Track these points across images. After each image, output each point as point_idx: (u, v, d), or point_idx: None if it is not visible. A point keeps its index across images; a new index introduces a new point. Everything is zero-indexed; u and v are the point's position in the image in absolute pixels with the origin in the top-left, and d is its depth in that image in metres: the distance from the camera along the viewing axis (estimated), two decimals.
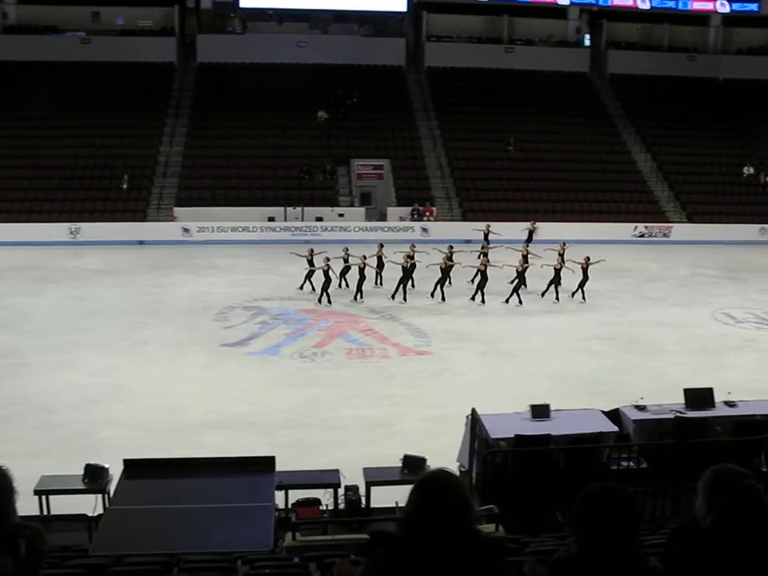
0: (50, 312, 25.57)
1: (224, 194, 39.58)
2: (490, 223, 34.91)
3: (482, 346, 22.66)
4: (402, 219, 38.97)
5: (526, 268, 27.97)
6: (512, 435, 12.38)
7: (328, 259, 26.86)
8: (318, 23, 48.84)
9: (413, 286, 27.90)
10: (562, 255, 28.53)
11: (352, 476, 12.55)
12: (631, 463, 12.28)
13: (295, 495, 12.02)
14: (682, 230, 40.14)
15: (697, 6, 50.31)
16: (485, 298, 27.07)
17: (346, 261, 27.93)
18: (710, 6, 50.53)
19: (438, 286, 27.40)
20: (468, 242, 34.47)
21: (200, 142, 42.56)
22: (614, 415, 13.53)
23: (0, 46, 46.27)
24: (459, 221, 39.38)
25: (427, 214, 39.04)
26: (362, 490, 12.42)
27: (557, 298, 27.64)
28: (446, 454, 13.51)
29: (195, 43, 48.39)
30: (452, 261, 27.90)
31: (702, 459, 8.45)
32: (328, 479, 12.36)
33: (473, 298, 27.26)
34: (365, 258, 27.20)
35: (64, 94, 42.96)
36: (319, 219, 38.32)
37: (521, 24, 50.54)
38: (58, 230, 36.37)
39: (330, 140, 43.07)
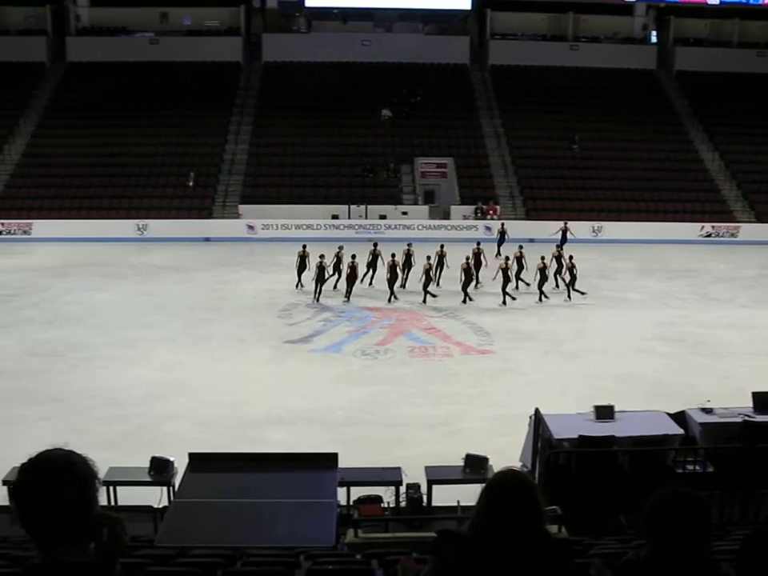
0: (117, 307, 26.02)
1: (288, 192, 39.89)
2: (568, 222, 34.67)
3: (544, 345, 22.49)
4: (465, 218, 38.86)
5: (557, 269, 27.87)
6: (575, 436, 12.28)
7: (354, 256, 27.07)
8: (382, 22, 48.88)
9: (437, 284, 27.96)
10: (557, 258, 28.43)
11: (413, 474, 12.56)
12: (697, 467, 12.06)
13: (357, 492, 12.07)
14: (750, 230, 39.31)
15: None
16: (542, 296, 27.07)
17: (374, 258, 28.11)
18: None
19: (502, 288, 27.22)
20: (532, 240, 34.23)
21: (265, 140, 42.95)
22: (680, 418, 13.31)
23: (73, 48, 47.48)
24: (523, 219, 39.11)
25: (491, 212, 38.85)
26: (424, 488, 12.42)
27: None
28: (508, 453, 13.43)
29: (261, 42, 48.85)
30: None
31: None
32: (390, 477, 12.39)
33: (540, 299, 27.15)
34: (393, 256, 27.12)
35: (133, 94, 43.79)
36: (383, 217, 38.39)
37: (586, 21, 49.98)
38: (125, 227, 37.03)
39: (394, 138, 43.12)
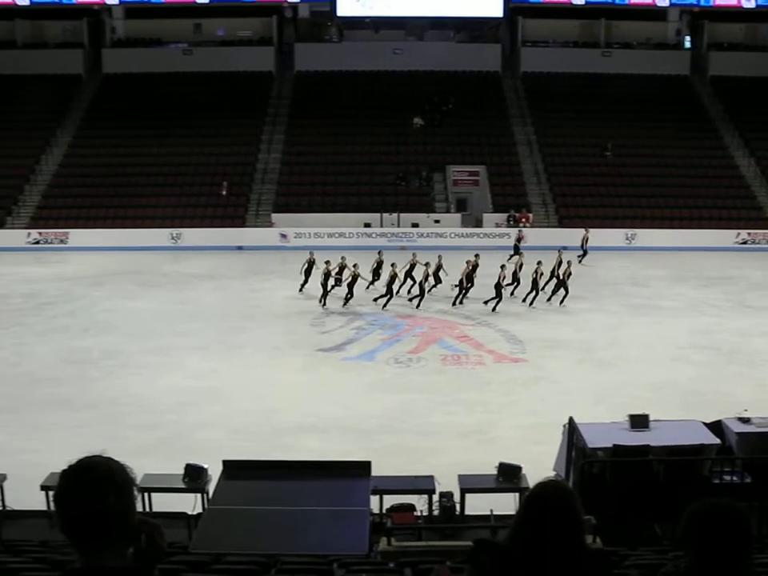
0: (151, 315, 26.25)
1: (321, 200, 40.04)
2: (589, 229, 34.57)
3: (577, 353, 22.38)
4: (497, 225, 38.77)
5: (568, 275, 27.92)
6: (610, 445, 12.19)
7: (356, 266, 27.30)
8: (414, 30, 48.95)
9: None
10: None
11: (446, 482, 12.54)
12: (734, 477, 11.90)
13: (390, 500, 12.07)
14: None
15: None
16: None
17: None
18: None
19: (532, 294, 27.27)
20: (564, 248, 34.09)
21: (297, 149, 43.15)
22: (716, 427, 13.16)
23: (109, 59, 48.03)
24: (555, 227, 38.99)
25: (523, 220, 38.73)
26: (457, 497, 12.39)
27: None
28: (541, 462, 13.40)
29: (293, 52, 49.09)
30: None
31: None
32: (423, 485, 12.38)
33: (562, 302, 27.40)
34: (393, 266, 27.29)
35: (167, 104, 44.21)
36: (415, 225, 38.40)
37: (618, 27, 49.68)
38: (159, 236, 37.32)
39: (426, 146, 43.14)
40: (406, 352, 22.47)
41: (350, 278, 27.11)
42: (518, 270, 28.23)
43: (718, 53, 48.77)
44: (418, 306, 27.03)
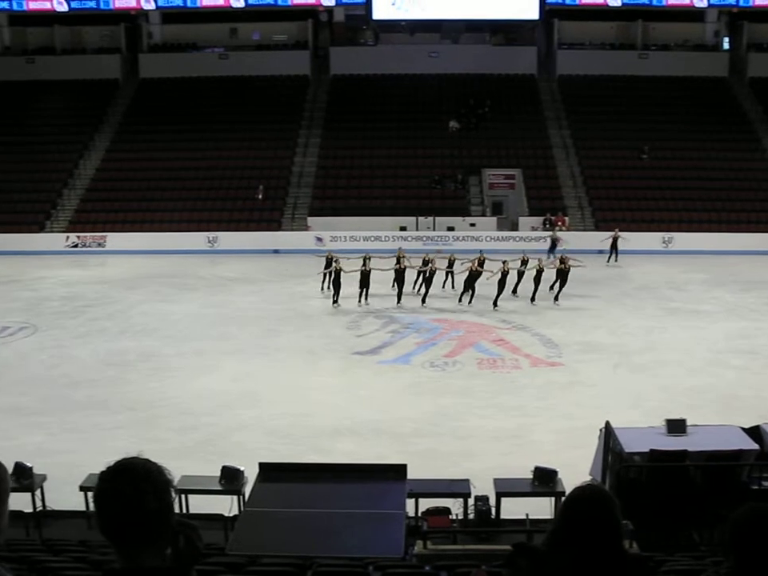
0: (188, 318, 26.45)
1: (356, 204, 40.10)
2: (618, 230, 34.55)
3: (614, 357, 22.22)
4: (533, 229, 38.62)
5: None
6: (647, 450, 12.09)
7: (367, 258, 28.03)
8: (449, 33, 48.87)
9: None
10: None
11: (482, 486, 12.50)
12: None
13: (425, 504, 12.07)
14: None
15: None
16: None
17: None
18: None
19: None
20: (600, 252, 33.94)
21: (333, 153, 43.27)
22: (755, 432, 12.99)
23: (146, 64, 48.50)
24: (592, 230, 38.71)
25: (559, 223, 38.54)
26: (492, 501, 12.36)
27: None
28: (577, 466, 13.33)
29: (328, 56, 49.26)
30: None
31: None
32: (458, 489, 12.36)
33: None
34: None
35: (203, 108, 44.63)
36: (451, 229, 38.36)
37: (655, 29, 49.27)
38: (196, 239, 37.61)
39: (462, 150, 43.07)
40: (441, 355, 22.44)
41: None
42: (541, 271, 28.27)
43: (758, 54, 48.15)
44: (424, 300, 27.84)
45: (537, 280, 27.74)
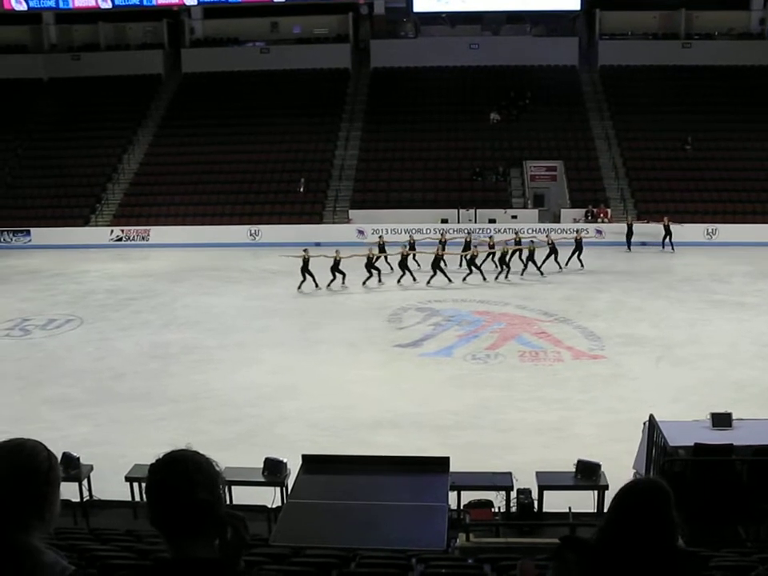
0: (231, 311, 26.64)
1: (397, 196, 40.10)
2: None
3: (657, 350, 22.01)
4: (575, 221, 38.32)
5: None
6: (691, 443, 11.97)
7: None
8: (490, 25, 48.68)
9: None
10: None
11: (524, 479, 12.49)
12: None
13: (468, 496, 12.07)
14: None
15: None
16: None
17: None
18: None
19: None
20: (644, 244, 33.67)
21: (374, 145, 43.31)
22: None
23: (188, 59, 48.91)
24: (634, 222, 38.28)
25: (602, 215, 38.22)
26: (535, 494, 12.34)
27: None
28: (620, 460, 13.27)
29: (369, 49, 49.25)
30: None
31: None
32: (501, 482, 12.35)
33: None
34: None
35: (245, 102, 44.89)
36: (492, 221, 38.18)
37: (699, 17, 48.58)
38: (238, 233, 37.85)
39: (503, 141, 42.88)
40: (483, 348, 22.38)
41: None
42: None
43: None
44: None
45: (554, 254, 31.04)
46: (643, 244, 33.66)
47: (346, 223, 38.97)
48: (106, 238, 38.69)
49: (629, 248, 34.34)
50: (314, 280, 28.76)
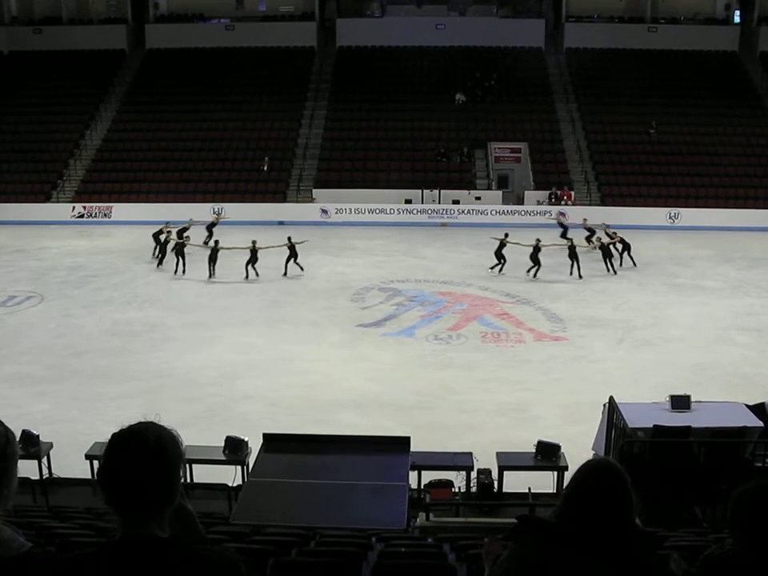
0: (193, 290, 26.49)
1: (362, 176, 39.99)
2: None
3: (618, 333, 22.23)
4: (539, 203, 38.49)
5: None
6: (650, 425, 12.10)
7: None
8: (456, 5, 48.57)
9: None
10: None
11: (485, 460, 12.58)
12: None
13: (428, 476, 12.13)
14: None
15: None
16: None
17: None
18: None
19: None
20: (608, 226, 33.75)
21: (339, 125, 43.11)
22: (760, 410, 12.97)
23: (152, 35, 48.34)
24: (598, 205, 38.51)
25: (565, 197, 38.42)
26: (495, 474, 12.42)
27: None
28: (579, 441, 13.38)
29: (335, 27, 48.98)
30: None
31: None
32: (461, 462, 12.43)
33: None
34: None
35: (209, 80, 44.46)
36: (456, 202, 38.22)
37: (665, 2, 48.80)
38: (201, 210, 37.31)
39: (468, 123, 42.85)
40: (445, 329, 22.46)
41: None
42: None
43: None
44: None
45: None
46: (607, 227, 33.78)
47: (309, 202, 38.80)
48: (67, 214, 38.18)
49: (614, 271, 28.89)
50: (183, 263, 28.72)
